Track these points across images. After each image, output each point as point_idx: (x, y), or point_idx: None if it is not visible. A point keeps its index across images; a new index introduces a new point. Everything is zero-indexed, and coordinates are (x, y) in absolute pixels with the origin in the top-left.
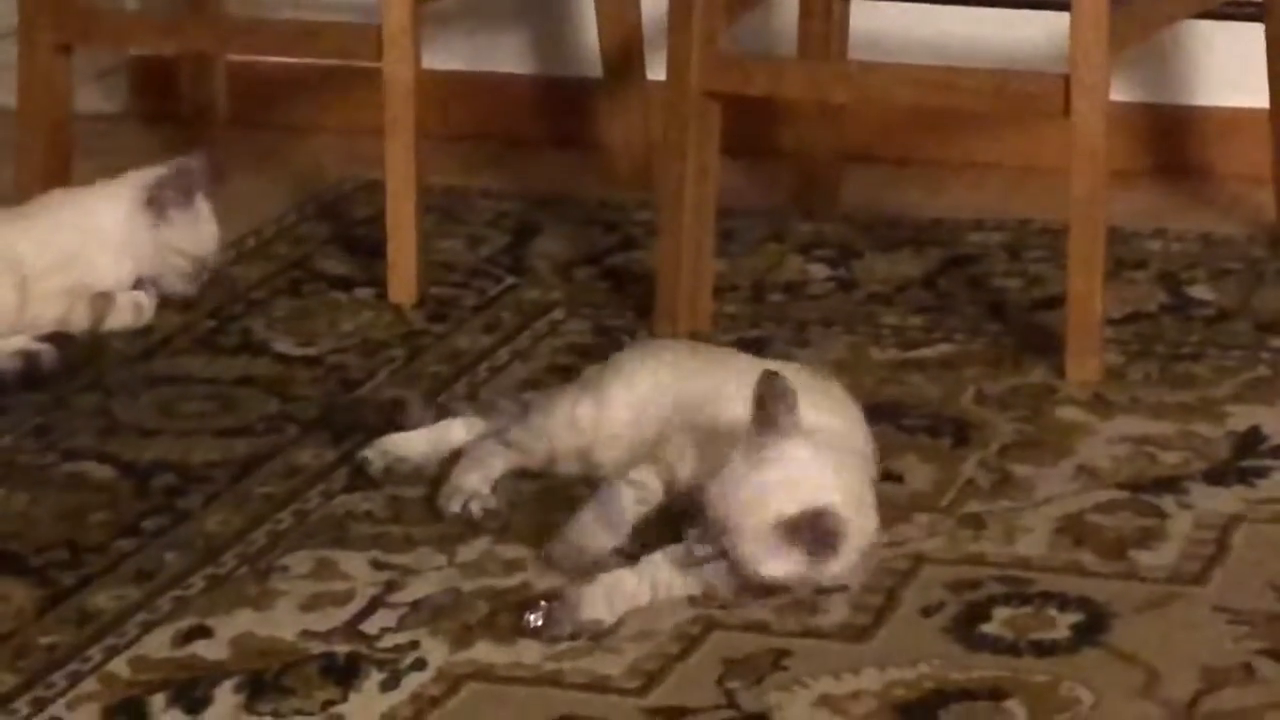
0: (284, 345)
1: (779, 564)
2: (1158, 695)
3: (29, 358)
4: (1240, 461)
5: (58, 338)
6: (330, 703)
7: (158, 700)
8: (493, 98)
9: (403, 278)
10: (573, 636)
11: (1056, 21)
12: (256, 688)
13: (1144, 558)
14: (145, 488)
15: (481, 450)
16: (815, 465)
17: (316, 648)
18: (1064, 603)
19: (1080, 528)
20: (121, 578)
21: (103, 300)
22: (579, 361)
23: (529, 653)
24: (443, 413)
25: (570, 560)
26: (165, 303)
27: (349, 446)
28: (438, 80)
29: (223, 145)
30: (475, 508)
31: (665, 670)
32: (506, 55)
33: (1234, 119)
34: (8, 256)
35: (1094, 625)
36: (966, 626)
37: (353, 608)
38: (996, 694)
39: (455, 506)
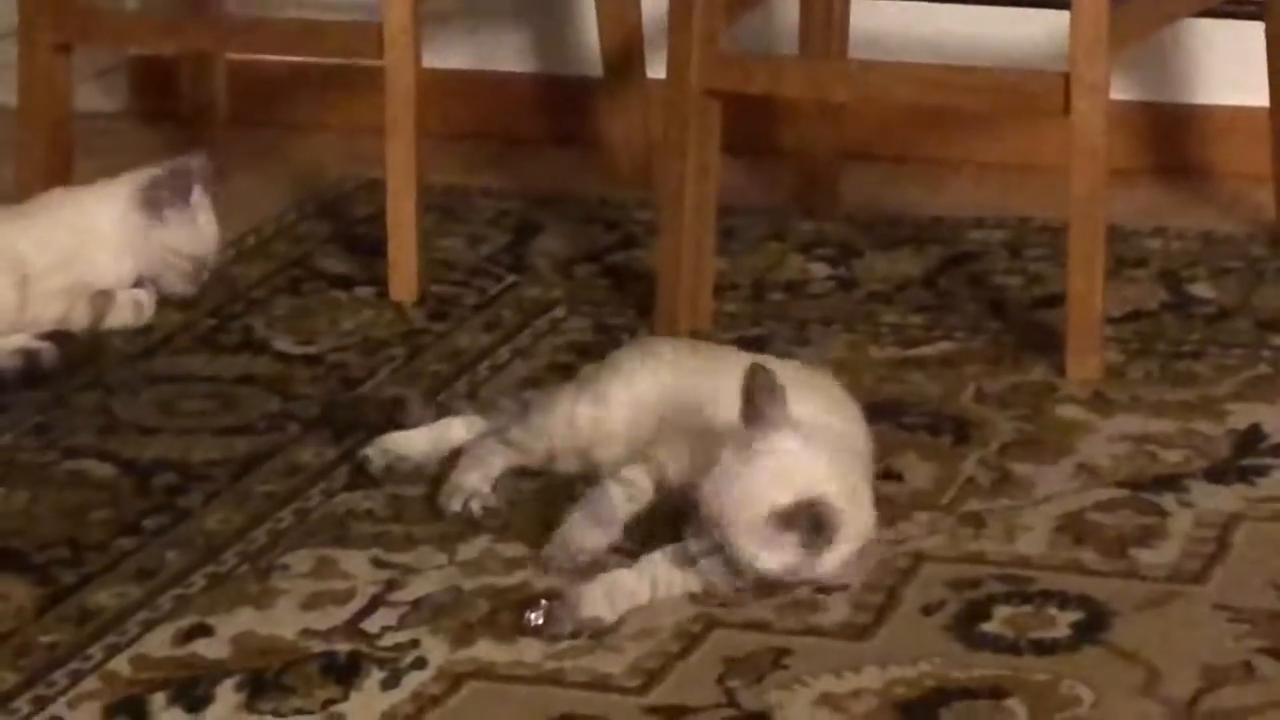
0: (284, 344)
1: (774, 556)
2: (1158, 694)
3: (29, 356)
4: (1241, 460)
5: (58, 336)
6: (331, 701)
7: (158, 699)
8: (493, 96)
9: (403, 276)
10: (573, 635)
11: (1056, 20)
12: (257, 686)
13: (1144, 556)
14: (146, 486)
15: (482, 449)
16: (806, 456)
17: (317, 646)
18: (1064, 601)
19: (1081, 526)
20: (122, 576)
21: (103, 298)
22: (579, 360)
23: (530, 651)
24: (443, 411)
25: (565, 561)
26: (165, 301)
27: (349, 445)
28: (438, 79)
29: (223, 144)
30: (475, 506)
31: (666, 669)
32: (507, 54)
33: (1234, 117)
34: (8, 255)
35: (1094, 624)
36: (967, 625)
37: (353, 606)
38: (997, 692)
39: (456, 505)
